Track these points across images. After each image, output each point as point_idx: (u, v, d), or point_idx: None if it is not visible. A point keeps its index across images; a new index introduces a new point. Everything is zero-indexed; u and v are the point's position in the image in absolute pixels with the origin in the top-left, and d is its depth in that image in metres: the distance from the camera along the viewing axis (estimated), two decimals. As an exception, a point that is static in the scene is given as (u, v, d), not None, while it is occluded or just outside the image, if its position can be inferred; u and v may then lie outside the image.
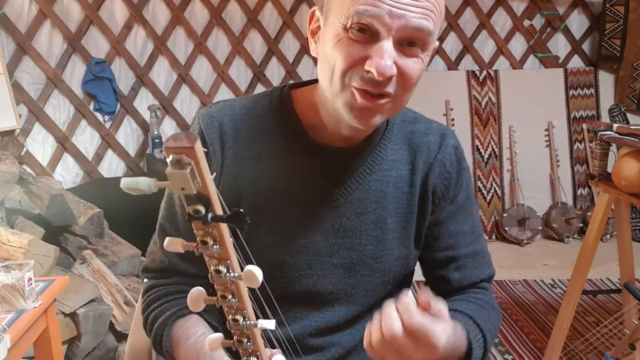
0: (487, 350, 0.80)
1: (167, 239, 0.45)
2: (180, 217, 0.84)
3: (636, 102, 3.77)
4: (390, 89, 0.70)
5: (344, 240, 0.83)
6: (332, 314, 0.86)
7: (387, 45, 0.67)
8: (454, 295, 0.92)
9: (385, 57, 0.66)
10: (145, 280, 0.90)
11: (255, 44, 3.54)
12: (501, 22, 3.78)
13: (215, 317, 0.84)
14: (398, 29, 0.66)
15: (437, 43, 0.75)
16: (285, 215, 0.82)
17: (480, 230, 0.93)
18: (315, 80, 0.80)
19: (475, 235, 0.91)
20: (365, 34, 0.68)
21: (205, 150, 0.80)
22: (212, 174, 0.42)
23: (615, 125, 1.74)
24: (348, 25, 0.68)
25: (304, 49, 3.54)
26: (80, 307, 1.81)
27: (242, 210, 0.41)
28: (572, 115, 3.78)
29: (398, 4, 0.65)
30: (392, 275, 0.87)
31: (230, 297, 0.49)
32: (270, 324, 0.52)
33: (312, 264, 0.83)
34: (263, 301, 0.85)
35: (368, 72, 0.67)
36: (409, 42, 0.69)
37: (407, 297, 0.61)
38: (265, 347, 0.73)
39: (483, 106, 3.72)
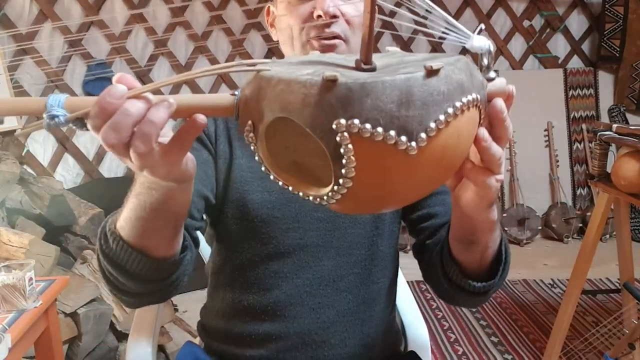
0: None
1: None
2: None
3: (635, 102, 3.78)
4: (338, 29, 0.83)
5: None
6: (320, 269, 0.89)
7: None
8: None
9: (326, 2, 0.81)
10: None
11: (256, 45, 3.55)
12: (501, 22, 3.79)
13: None
14: None
15: None
16: None
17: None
18: None
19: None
20: None
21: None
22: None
23: (614, 126, 1.74)
24: None
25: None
26: (81, 307, 1.81)
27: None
28: (571, 116, 3.79)
29: None
30: (374, 227, 0.91)
31: None
32: None
33: (298, 217, 0.88)
34: (254, 260, 0.88)
35: (318, 17, 0.81)
36: None
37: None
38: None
39: (483, 106, 3.72)
